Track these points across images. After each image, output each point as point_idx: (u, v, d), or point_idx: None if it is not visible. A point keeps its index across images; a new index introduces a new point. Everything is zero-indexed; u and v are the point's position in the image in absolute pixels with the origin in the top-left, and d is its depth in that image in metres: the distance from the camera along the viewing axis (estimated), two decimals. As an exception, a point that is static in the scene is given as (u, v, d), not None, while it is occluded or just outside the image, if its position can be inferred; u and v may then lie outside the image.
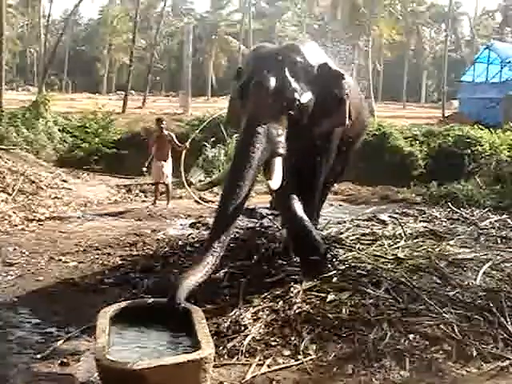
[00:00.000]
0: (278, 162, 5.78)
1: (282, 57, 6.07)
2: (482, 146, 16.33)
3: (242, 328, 5.24)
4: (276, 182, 5.72)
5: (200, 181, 14.07)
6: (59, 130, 18.96)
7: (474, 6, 79.31)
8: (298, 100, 5.90)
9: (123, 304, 4.82)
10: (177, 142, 11.79)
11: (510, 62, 26.40)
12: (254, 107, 5.70)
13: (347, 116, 6.48)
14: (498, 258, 7.60)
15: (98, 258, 7.73)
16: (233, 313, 5.49)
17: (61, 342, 5.06)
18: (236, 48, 52.31)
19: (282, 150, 5.77)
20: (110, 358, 3.75)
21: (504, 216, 10.79)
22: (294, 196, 6.57)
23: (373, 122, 19.15)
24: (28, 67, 59.33)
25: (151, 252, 8.11)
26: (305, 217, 6.55)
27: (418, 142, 17.82)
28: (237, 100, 6.27)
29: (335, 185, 11.88)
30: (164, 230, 9.59)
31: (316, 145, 6.49)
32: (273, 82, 5.76)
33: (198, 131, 12.42)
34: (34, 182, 12.38)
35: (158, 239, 8.83)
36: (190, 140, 11.79)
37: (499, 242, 8.78)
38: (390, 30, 43.40)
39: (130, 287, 6.47)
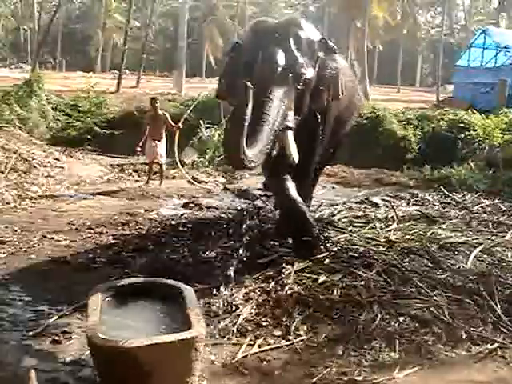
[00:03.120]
0: (291, 136, 5.82)
1: (286, 31, 6.04)
2: (475, 130, 16.30)
3: (234, 308, 5.26)
4: (296, 154, 5.82)
5: (193, 162, 14.06)
6: (52, 109, 18.81)
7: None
8: (305, 74, 5.92)
9: (115, 283, 4.83)
10: (171, 122, 11.76)
11: (505, 47, 26.31)
12: (265, 82, 5.63)
13: (341, 89, 6.53)
14: (489, 242, 7.66)
15: (90, 237, 7.71)
16: (225, 293, 5.50)
17: (52, 319, 5.06)
18: (232, 29, 51.93)
19: (292, 124, 5.80)
20: (101, 336, 3.75)
21: (496, 201, 10.86)
22: (288, 177, 6.58)
23: (367, 105, 19.15)
24: (21, 45, 58.73)
25: (143, 231, 8.10)
26: (298, 198, 6.56)
27: (411, 125, 17.79)
28: (235, 74, 6.13)
29: (328, 167, 11.91)
30: (157, 209, 9.57)
31: (310, 125, 6.48)
32: (281, 57, 5.75)
33: (189, 111, 12.39)
34: (26, 160, 12.30)
35: (150, 219, 8.82)
36: (182, 120, 11.75)
37: (491, 226, 8.86)
38: (383, 12, 43.24)
39: (122, 266, 6.46)
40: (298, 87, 5.91)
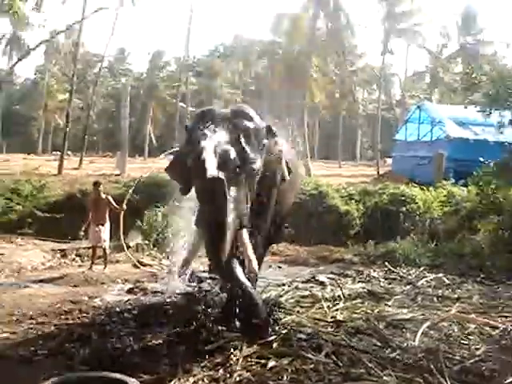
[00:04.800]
0: (246, 235, 5.86)
1: (235, 125, 6.11)
2: (416, 203, 16.67)
3: (182, 399, 5.13)
4: (255, 261, 5.95)
5: (137, 244, 13.88)
6: (-9, 193, 18.47)
7: (404, 67, 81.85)
8: (256, 169, 5.99)
9: (59, 379, 4.65)
10: (114, 205, 11.66)
11: (439, 121, 27.26)
12: (213, 178, 5.60)
13: (286, 172, 6.65)
14: (436, 317, 7.73)
15: (31, 328, 7.45)
16: (172, 383, 5.37)
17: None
18: (174, 107, 52.55)
19: (247, 222, 5.84)
20: None
21: (439, 274, 11.02)
22: (235, 259, 6.55)
23: (309, 180, 19.41)
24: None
25: (87, 320, 7.88)
26: (246, 281, 6.54)
27: (354, 200, 18.04)
28: (187, 162, 6.11)
29: (274, 245, 11.92)
30: (101, 296, 9.35)
31: (255, 207, 6.52)
32: (233, 155, 5.78)
33: (130, 191, 12.32)
34: (-37, 248, 11.98)
35: (94, 306, 8.61)
36: (125, 201, 11.68)
37: (436, 300, 8.96)
38: (322, 90, 44.48)
39: (66, 358, 6.24)
40: (251, 181, 6.02)
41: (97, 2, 70.19)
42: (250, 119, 6.32)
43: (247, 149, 5.98)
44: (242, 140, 5.99)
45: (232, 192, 5.73)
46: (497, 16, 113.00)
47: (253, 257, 5.91)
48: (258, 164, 6.11)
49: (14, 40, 50.09)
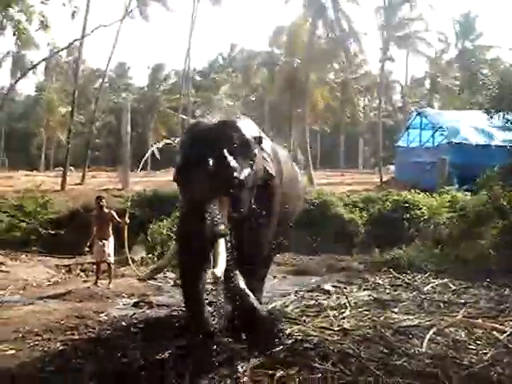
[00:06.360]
0: (222, 245, 5.81)
1: (218, 134, 6.15)
2: (420, 209, 16.67)
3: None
4: (221, 268, 5.74)
5: (142, 258, 13.90)
6: (-5, 210, 18.53)
7: (404, 73, 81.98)
8: (237, 178, 5.96)
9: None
10: (117, 219, 11.64)
11: (441, 127, 27.25)
12: (194, 188, 5.72)
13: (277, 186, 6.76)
14: (442, 323, 7.70)
15: (37, 345, 7.40)
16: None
17: None
18: (175, 120, 52.66)
19: (224, 231, 5.79)
20: None
21: (445, 279, 11.00)
22: (237, 271, 6.55)
23: (313, 190, 19.42)
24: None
25: (93, 335, 7.86)
26: (249, 292, 6.53)
27: (357, 208, 18.05)
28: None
29: (278, 255, 11.93)
30: (106, 311, 9.33)
31: (254, 219, 6.53)
32: (211, 162, 5.80)
33: (129, 203, 12.33)
34: (-32, 266, 12.00)
35: (100, 321, 8.58)
36: (127, 215, 11.67)
37: (442, 306, 8.93)
38: (324, 99, 44.47)
39: (73, 375, 6.21)
40: (231, 190, 5.98)
41: (97, 15, 71.47)
42: (236, 130, 6.34)
43: (228, 157, 5.99)
44: (223, 148, 6.01)
45: (209, 201, 5.75)
46: (495, 20, 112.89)
47: (222, 265, 5.84)
48: (242, 172, 6.12)
49: (16, 57, 50.40)
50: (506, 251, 12.65)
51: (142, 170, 14.10)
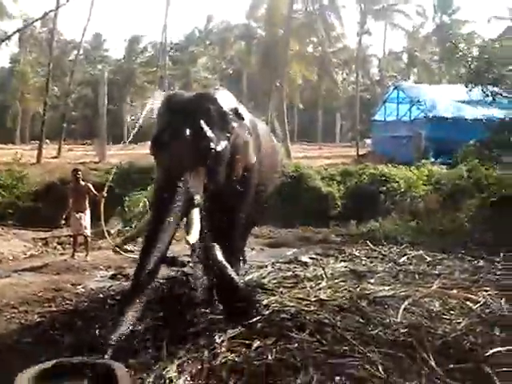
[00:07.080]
0: (196, 215, 5.80)
1: (195, 106, 6.12)
2: (396, 182, 16.78)
3: (167, 381, 5.13)
4: (194, 236, 5.74)
5: (118, 231, 13.85)
6: (-30, 184, 18.29)
7: (381, 47, 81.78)
8: (214, 149, 5.95)
9: (44, 365, 4.62)
10: (94, 192, 11.58)
11: (418, 101, 27.32)
12: (171, 159, 5.71)
13: (252, 156, 6.71)
14: (417, 293, 7.79)
15: (14, 317, 7.40)
16: (157, 366, 5.38)
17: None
18: (152, 93, 52.22)
19: (199, 201, 5.78)
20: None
21: (420, 251, 11.11)
22: (214, 243, 6.57)
23: (290, 163, 19.43)
24: None
25: (71, 307, 7.87)
26: (226, 263, 6.55)
27: (335, 181, 18.11)
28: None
29: (256, 228, 11.96)
30: (83, 283, 9.33)
31: (231, 191, 6.54)
32: (187, 132, 5.78)
33: (110, 178, 12.26)
34: None
35: (77, 293, 8.59)
36: (106, 188, 11.60)
37: (417, 277, 9.03)
38: (302, 72, 44.35)
39: (50, 346, 6.21)
40: (208, 161, 5.96)
41: (71, -12, 69.97)
42: (213, 102, 6.31)
43: (204, 128, 5.96)
44: (200, 120, 5.98)
45: (184, 171, 5.72)
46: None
47: (195, 234, 5.83)
48: (219, 144, 6.10)
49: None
50: (481, 225, 12.80)
51: (123, 143, 14.00)
